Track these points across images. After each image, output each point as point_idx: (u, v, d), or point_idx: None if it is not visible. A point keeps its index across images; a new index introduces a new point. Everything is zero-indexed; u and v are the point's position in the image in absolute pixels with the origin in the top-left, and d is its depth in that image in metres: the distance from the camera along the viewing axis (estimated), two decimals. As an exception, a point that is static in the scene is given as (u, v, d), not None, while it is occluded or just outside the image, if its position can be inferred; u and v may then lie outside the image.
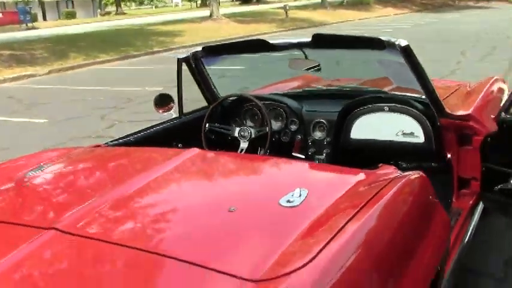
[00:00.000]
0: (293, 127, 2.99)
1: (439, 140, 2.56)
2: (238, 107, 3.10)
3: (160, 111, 2.99)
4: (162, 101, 3.00)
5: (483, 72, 6.49)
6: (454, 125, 2.61)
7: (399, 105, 2.64)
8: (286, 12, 24.96)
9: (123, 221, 1.59)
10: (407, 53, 2.39)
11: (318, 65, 2.88)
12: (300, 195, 1.51)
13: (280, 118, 3.01)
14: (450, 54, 11.49)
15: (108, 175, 2.06)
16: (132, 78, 11.34)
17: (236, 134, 2.95)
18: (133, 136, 2.73)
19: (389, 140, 2.64)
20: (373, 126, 2.67)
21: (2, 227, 1.62)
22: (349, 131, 2.71)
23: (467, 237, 2.44)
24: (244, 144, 2.93)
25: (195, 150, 1.98)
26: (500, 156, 2.54)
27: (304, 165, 2.20)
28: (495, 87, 3.35)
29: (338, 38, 2.74)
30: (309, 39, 2.63)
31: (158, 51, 16.05)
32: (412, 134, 2.59)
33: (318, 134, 2.95)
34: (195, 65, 3.01)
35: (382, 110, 2.66)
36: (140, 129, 2.83)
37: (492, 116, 2.69)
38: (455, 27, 19.70)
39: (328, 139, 2.89)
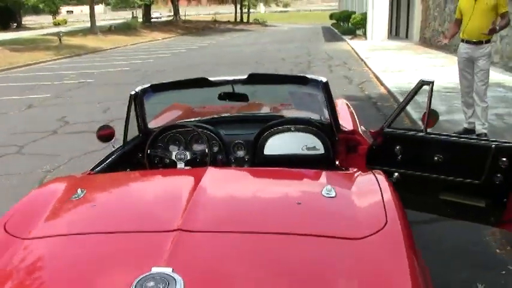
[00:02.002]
0: (215, 149, 3.31)
1: (335, 150, 3.22)
2: (172, 135, 3.32)
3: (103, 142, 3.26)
4: (105, 133, 3.23)
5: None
6: (344, 139, 3.31)
7: (303, 126, 3.23)
8: (60, 40, 24.04)
9: (231, 215, 1.93)
10: (326, 87, 3.09)
11: (246, 96, 3.39)
12: (331, 190, 2.01)
13: (202, 142, 3.30)
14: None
15: (176, 187, 2.31)
16: None
17: (174, 158, 3.21)
18: (103, 164, 2.90)
19: (296, 154, 3.17)
20: (283, 144, 3.20)
21: (129, 236, 1.83)
22: (263, 149, 3.20)
23: None
24: (180, 165, 3.18)
25: (212, 168, 2.33)
26: (384, 159, 3.19)
27: (308, 172, 2.68)
28: (344, 105, 4.27)
29: (269, 77, 3.32)
30: (245, 77, 3.17)
31: None
32: (314, 147, 3.19)
33: (239, 153, 3.35)
34: (140, 99, 3.22)
35: (289, 130, 3.22)
36: (101, 159, 3.00)
37: (363, 129, 3.55)
38: (231, 50, 21.65)
39: (247, 157, 3.32)
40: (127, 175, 2.72)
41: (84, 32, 30.85)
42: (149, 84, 3.19)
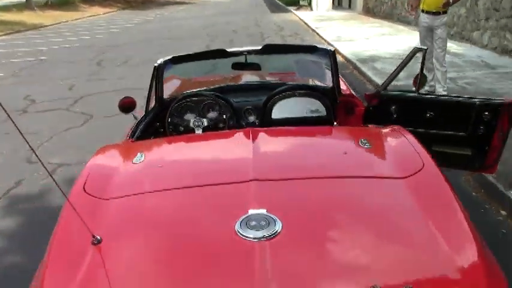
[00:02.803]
0: (228, 115, 3.55)
1: (335, 112, 3.59)
2: (186, 104, 3.55)
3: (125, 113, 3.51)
4: (127, 103, 3.47)
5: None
6: (343, 101, 3.71)
7: (306, 91, 3.56)
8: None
9: (293, 165, 2.27)
10: (334, 55, 3.48)
11: (258, 66, 3.69)
12: (365, 141, 2.40)
13: (214, 109, 3.57)
14: (200, 49, 12.91)
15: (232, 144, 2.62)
16: None
17: (191, 125, 3.46)
18: (137, 132, 3.17)
19: (300, 117, 3.49)
20: (288, 108, 3.52)
21: (212, 188, 2.10)
22: (271, 113, 3.51)
23: None
24: (198, 131, 3.44)
25: (253, 129, 2.65)
26: (380, 118, 3.51)
27: (339, 128, 3.03)
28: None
29: (282, 47, 3.64)
30: (260, 47, 3.49)
31: None
32: (317, 110, 3.52)
33: (250, 118, 3.67)
34: (161, 71, 3.44)
35: (294, 96, 3.55)
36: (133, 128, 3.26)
37: (353, 93, 3.95)
38: (179, 24, 21.47)
39: (257, 121, 3.63)
40: (172, 139, 2.97)
41: (19, 7, 29.51)
42: (171, 57, 3.39)
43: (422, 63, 3.33)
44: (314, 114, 3.52)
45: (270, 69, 4.34)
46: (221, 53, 3.48)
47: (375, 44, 11.48)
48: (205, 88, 3.82)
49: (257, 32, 16.40)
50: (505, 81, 7.31)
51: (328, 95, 3.57)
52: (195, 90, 3.69)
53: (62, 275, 1.76)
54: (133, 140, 2.97)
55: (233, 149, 2.54)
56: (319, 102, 3.54)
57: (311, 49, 3.55)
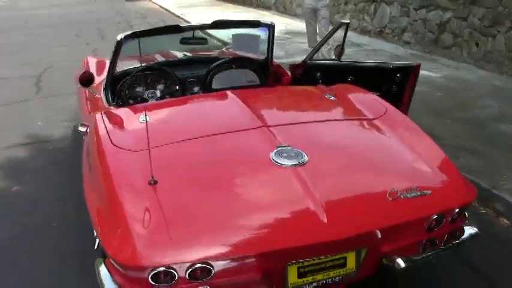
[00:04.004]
0: (175, 87, 3.88)
1: (268, 81, 4.13)
2: (137, 76, 3.80)
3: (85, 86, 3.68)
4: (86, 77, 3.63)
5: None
6: (273, 72, 4.25)
7: (242, 63, 4.05)
8: None
9: (286, 112, 2.80)
10: (273, 28, 3.98)
11: (205, 40, 4.05)
12: (330, 95, 3.04)
13: (160, 82, 3.89)
14: (70, 38, 12.48)
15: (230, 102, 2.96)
16: None
17: (146, 96, 3.74)
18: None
19: (238, 86, 3.85)
20: (227, 79, 3.94)
21: (231, 134, 2.46)
22: (211, 84, 3.91)
23: None
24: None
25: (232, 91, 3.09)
26: (307, 85, 4.04)
27: (303, 87, 3.54)
28: None
29: (230, 22, 4.03)
30: (210, 23, 3.86)
31: None
32: (252, 80, 4.03)
33: (194, 89, 4.04)
34: (120, 45, 3.57)
35: (232, 68, 4.01)
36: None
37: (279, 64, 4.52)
38: (32, 14, 20.06)
39: (200, 92, 3.97)
40: (159, 104, 3.25)
41: None
42: (132, 32, 3.58)
43: (345, 35, 3.96)
44: (250, 84, 4.01)
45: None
46: (176, 28, 3.78)
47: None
48: (153, 63, 4.09)
49: (123, 20, 16.19)
50: (372, 56, 8.44)
51: (262, 66, 4.07)
52: (144, 64, 3.92)
53: (138, 215, 1.99)
54: (112, 108, 3.15)
55: (225, 105, 2.92)
56: (253, 73, 4.04)
57: (255, 24, 4.05)
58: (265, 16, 14.56)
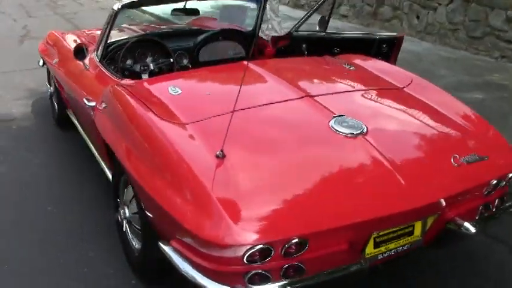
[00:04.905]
0: (167, 60, 3.64)
1: (253, 53, 3.98)
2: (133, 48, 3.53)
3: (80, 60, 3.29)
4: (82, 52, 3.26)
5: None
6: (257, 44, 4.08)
7: (229, 35, 3.92)
8: None
9: (318, 80, 2.64)
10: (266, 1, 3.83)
11: (197, 10, 3.77)
12: (349, 65, 2.94)
13: (155, 54, 3.63)
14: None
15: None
16: None
17: (138, 69, 3.49)
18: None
19: (224, 58, 3.82)
20: (214, 51, 3.84)
21: (283, 104, 2.32)
22: (198, 56, 3.79)
23: None
24: (145, 76, 3.47)
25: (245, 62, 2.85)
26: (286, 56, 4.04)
27: (319, 58, 3.34)
28: None
29: None
30: None
31: None
32: (238, 52, 3.92)
33: (184, 61, 3.79)
34: (116, 15, 3.27)
35: (218, 39, 3.88)
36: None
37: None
38: None
39: (189, 64, 3.78)
40: (182, 75, 3.05)
41: None
42: (129, 1, 3.26)
43: (332, 7, 3.86)
44: (235, 56, 3.87)
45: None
46: None
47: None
48: (143, 33, 3.80)
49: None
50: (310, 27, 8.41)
51: (247, 38, 3.87)
52: (136, 35, 3.67)
53: (223, 191, 1.80)
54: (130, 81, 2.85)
55: (255, 76, 2.69)
56: (239, 44, 3.88)
57: None
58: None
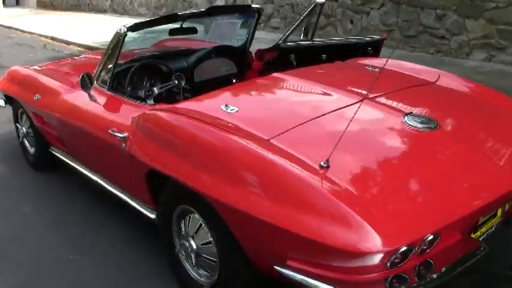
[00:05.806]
0: (170, 82, 3.51)
1: (243, 68, 4.05)
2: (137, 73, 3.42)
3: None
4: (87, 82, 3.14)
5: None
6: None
7: (221, 52, 3.92)
8: None
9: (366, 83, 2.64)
10: (260, 13, 3.91)
11: (195, 29, 3.71)
12: (373, 68, 3.05)
13: (147, 78, 3.53)
14: None
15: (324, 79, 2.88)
16: None
17: (143, 96, 3.32)
18: None
19: (218, 76, 3.86)
20: (208, 69, 3.82)
21: (349, 109, 2.33)
22: (193, 77, 3.74)
23: None
24: (150, 101, 3.27)
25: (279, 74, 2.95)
26: (282, 68, 3.79)
27: (340, 63, 3.39)
28: None
29: (224, 8, 3.79)
30: (205, 9, 3.61)
31: None
32: (230, 69, 3.93)
33: (182, 82, 3.58)
34: (123, 39, 3.12)
35: (210, 57, 3.88)
36: None
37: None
38: None
39: (187, 86, 3.64)
40: (224, 91, 2.83)
41: None
42: (134, 23, 3.15)
43: (318, 16, 3.96)
44: (228, 72, 3.90)
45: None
46: (175, 17, 3.45)
47: (100, 31, 11.34)
48: (139, 57, 3.68)
49: None
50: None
51: (239, 54, 3.95)
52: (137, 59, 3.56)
53: (351, 199, 1.78)
54: (168, 106, 2.71)
55: (302, 87, 2.75)
56: (232, 62, 3.94)
57: (245, 8, 4.01)
58: (105, 19, 13.79)
